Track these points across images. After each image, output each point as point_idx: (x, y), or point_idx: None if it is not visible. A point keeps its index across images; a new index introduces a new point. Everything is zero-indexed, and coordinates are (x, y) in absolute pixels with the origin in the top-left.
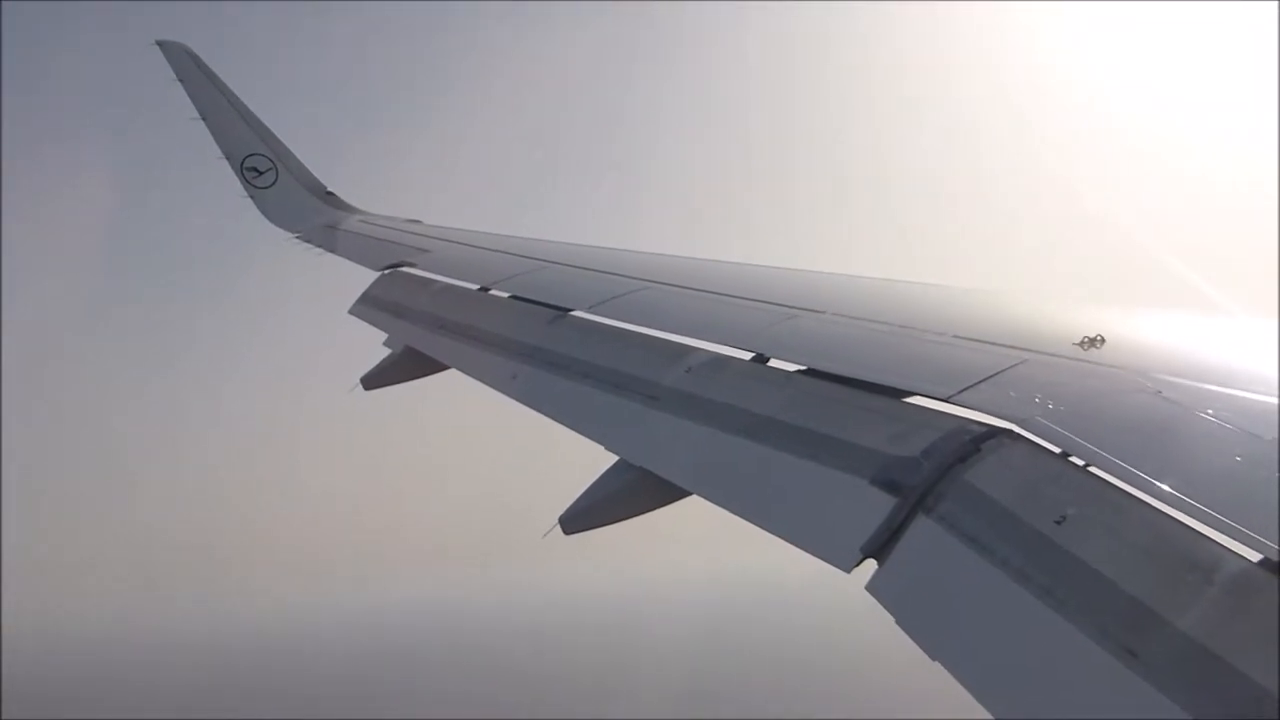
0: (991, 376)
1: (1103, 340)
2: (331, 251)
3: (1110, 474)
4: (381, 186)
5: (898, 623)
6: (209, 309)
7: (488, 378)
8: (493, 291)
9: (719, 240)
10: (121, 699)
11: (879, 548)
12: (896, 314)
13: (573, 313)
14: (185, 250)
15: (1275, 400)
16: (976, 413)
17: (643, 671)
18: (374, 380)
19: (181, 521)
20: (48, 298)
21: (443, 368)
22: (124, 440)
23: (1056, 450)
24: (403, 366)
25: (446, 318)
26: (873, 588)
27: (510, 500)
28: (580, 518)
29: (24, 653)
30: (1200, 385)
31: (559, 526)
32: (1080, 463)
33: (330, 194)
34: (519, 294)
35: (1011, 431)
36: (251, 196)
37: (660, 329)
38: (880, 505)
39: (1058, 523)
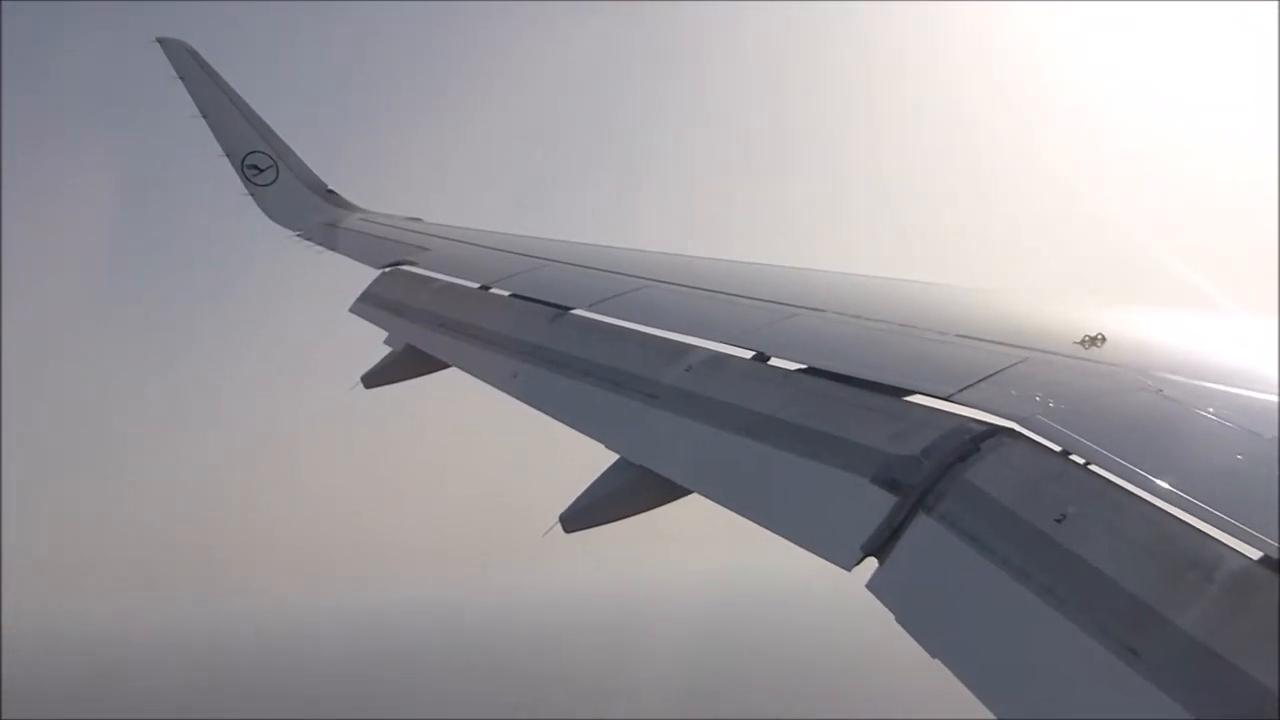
0: (992, 375)
1: (1103, 339)
2: (332, 250)
3: (1111, 472)
4: (382, 184)
5: (898, 621)
6: (209, 307)
7: (488, 376)
8: (493, 290)
9: (719, 239)
10: (121, 699)
11: (879, 546)
12: (897, 312)
13: (573, 311)
14: (185, 248)
15: (1276, 398)
16: (977, 411)
17: (643, 672)
18: (375, 379)
19: (181, 521)
20: (47, 295)
21: (443, 366)
22: (124, 440)
23: (1057, 449)
24: (403, 365)
25: (447, 316)
26: (873, 586)
27: (511, 498)
28: (581, 516)
29: (24, 653)
30: (1201, 383)
31: (560, 525)
32: (1081, 461)
33: (331, 192)
34: (519, 292)
35: (1012, 430)
36: (252, 194)
37: (660, 327)
38: (881, 504)
39: (1058, 521)
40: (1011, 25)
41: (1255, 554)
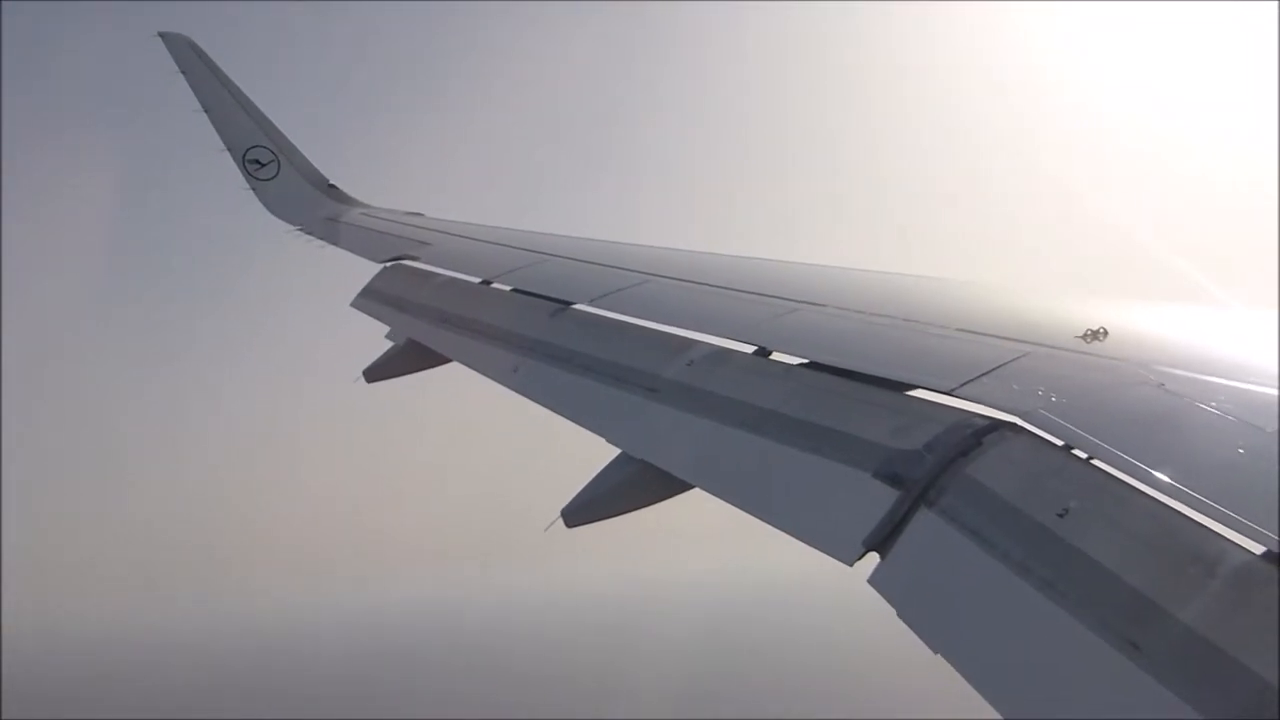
0: (994, 370)
1: (1105, 333)
2: (333, 244)
3: (1113, 467)
4: (384, 179)
5: (900, 616)
6: (210, 302)
7: (490, 371)
8: (495, 285)
9: (721, 234)
10: (121, 699)
11: (881, 541)
12: (899, 307)
13: (574, 306)
14: (186, 242)
15: (1277, 392)
16: (979, 406)
17: (643, 672)
18: (376, 373)
19: (181, 521)
20: (48, 291)
21: (445, 360)
22: (124, 439)
23: (1059, 443)
24: (405, 359)
25: (448, 311)
26: (875, 581)
27: (512, 493)
28: (582, 511)
29: (24, 653)
30: (1203, 378)
31: (561, 519)
32: (1083, 455)
33: (332, 186)
34: (521, 287)
35: (1014, 425)
36: (253, 189)
37: (662, 322)
38: (882, 498)
39: (1060, 516)
40: (1012, 25)
41: (1257, 548)
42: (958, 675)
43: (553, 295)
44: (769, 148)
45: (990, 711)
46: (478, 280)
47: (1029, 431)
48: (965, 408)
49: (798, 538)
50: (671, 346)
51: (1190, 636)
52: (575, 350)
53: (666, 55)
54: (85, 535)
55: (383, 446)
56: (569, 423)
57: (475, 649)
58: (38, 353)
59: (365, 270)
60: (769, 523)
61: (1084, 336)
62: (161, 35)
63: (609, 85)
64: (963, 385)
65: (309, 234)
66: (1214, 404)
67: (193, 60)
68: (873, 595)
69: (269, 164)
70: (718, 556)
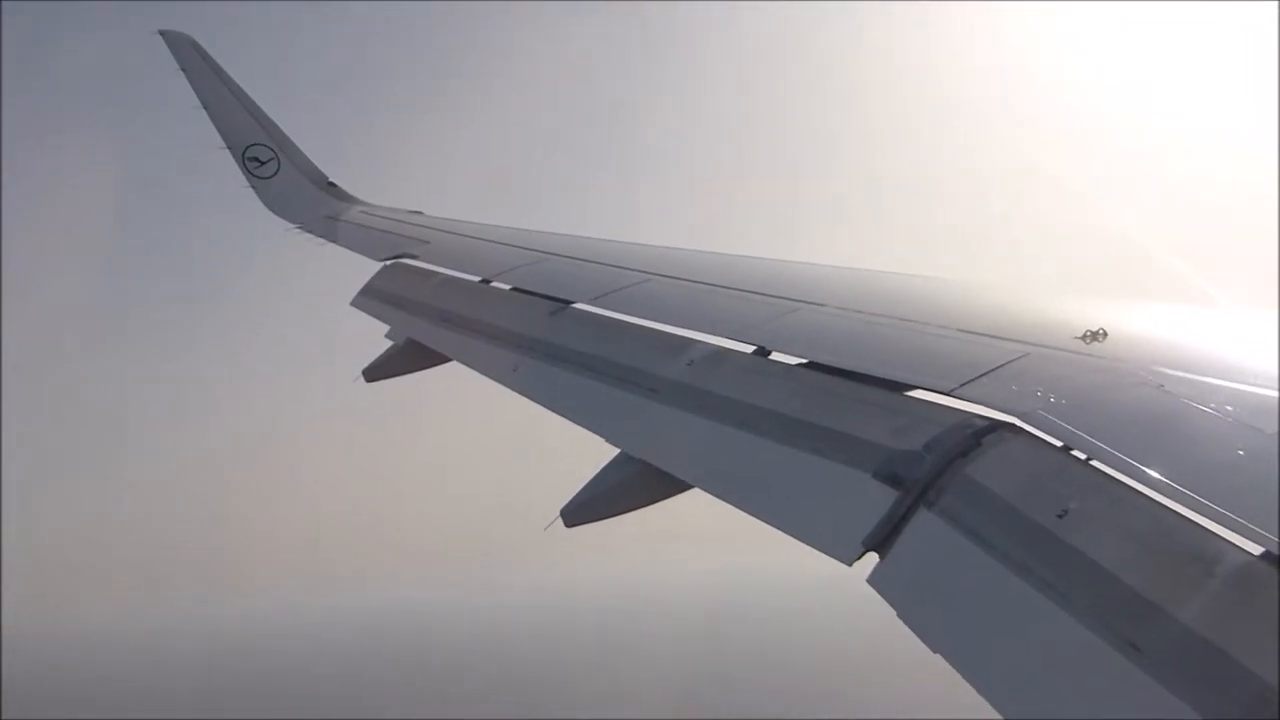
0: (993, 370)
1: (1105, 334)
2: (333, 242)
3: (1112, 468)
4: (384, 178)
5: (899, 616)
6: (209, 300)
7: (489, 370)
8: (494, 284)
9: (720, 233)
10: (121, 699)
11: (880, 541)
12: (898, 307)
13: (574, 305)
14: (186, 240)
15: (1277, 394)
16: (978, 406)
17: (643, 672)
18: (376, 372)
19: (181, 521)
20: (48, 291)
21: (444, 360)
22: (123, 438)
23: (1058, 444)
24: (404, 358)
25: (448, 310)
26: (874, 581)
27: (511, 492)
28: (582, 510)
29: (24, 653)
30: (1202, 379)
31: (560, 519)
32: (1082, 456)
33: (332, 185)
34: (521, 286)
35: (1013, 425)
36: (253, 187)
37: (661, 322)
38: (882, 499)
39: (1060, 516)
40: (1012, 25)
41: (1256, 549)
42: (957, 675)
43: (552, 294)
44: (769, 147)
45: (990, 712)
46: (477, 279)
47: (1028, 432)
48: (965, 408)
49: (797, 538)
50: (671, 346)
51: (1190, 637)
52: (575, 349)
53: (665, 55)
54: (85, 535)
55: (382, 446)
56: (568, 422)
57: (475, 649)
58: (38, 352)
59: (365, 269)
60: (768, 523)
61: (1083, 337)
62: (162, 33)
63: (608, 85)
64: (962, 386)
65: (309, 232)
66: (1213, 405)
67: (193, 58)
68: (872, 595)
69: (269, 162)
70: (717, 556)
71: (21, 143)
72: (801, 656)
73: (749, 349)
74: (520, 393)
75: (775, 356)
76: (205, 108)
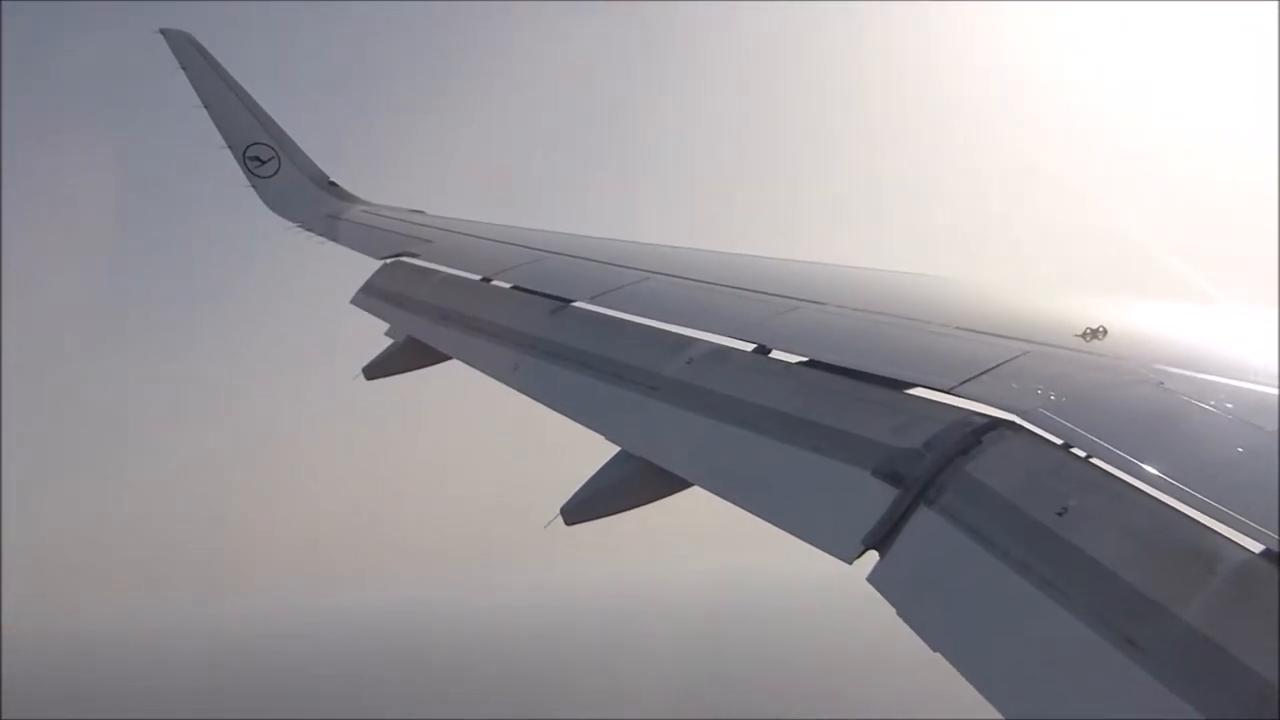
0: (993, 368)
1: (1105, 332)
2: (333, 241)
3: (1112, 465)
4: (384, 177)
5: (899, 614)
6: (210, 299)
7: (489, 368)
8: (495, 282)
9: (721, 232)
10: (121, 699)
11: (880, 539)
12: (898, 305)
13: (574, 303)
14: (187, 239)
15: (1277, 391)
16: (978, 404)
17: (643, 672)
18: (376, 370)
19: (181, 521)
20: (48, 291)
21: (445, 358)
22: (123, 438)
23: (1058, 442)
24: (405, 356)
25: (448, 308)
26: (874, 579)
27: (512, 490)
28: (582, 508)
29: (24, 653)
30: (1202, 377)
31: (561, 517)
32: (1082, 454)
33: (333, 184)
34: (521, 285)
35: (1013, 423)
36: (254, 186)
37: (661, 320)
38: (882, 497)
39: (1059, 514)
40: (1011, 25)
41: (1256, 547)
42: (956, 675)
43: (553, 293)
44: (769, 146)
45: (990, 710)
46: (478, 277)
47: (1028, 430)
48: (965, 406)
49: (797, 536)
50: (671, 344)
51: (1190, 635)
52: (575, 348)
53: (665, 55)
54: (85, 535)
55: (382, 444)
56: (569, 420)
57: (475, 649)
58: (38, 352)
59: (365, 267)
60: (768, 521)
61: (1083, 335)
62: (163, 32)
63: (609, 85)
64: (962, 384)
65: (309, 231)
66: (1213, 403)
67: (194, 57)
68: (872, 594)
69: (269, 161)
70: (717, 556)
71: (21, 143)
72: (801, 656)
73: (749, 347)
74: (520, 391)
75: (775, 355)
76: (206, 107)
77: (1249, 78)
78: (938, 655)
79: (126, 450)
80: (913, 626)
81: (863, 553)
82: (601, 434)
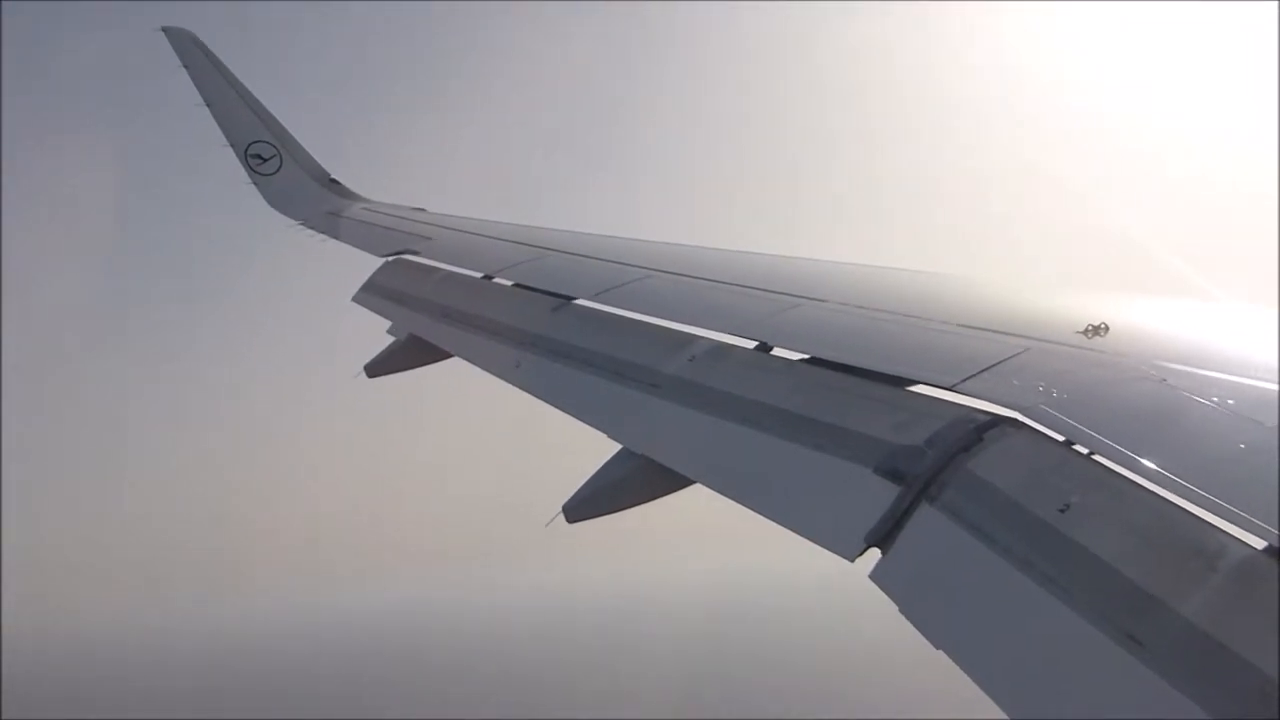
0: (995, 365)
1: (1106, 328)
2: (335, 239)
3: (1114, 462)
4: (386, 175)
5: (901, 611)
6: (211, 297)
7: (491, 366)
8: (496, 279)
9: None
10: (121, 699)
11: (883, 536)
12: (900, 303)
13: (576, 301)
14: (188, 237)
15: (1278, 388)
16: (980, 401)
17: (643, 672)
18: (377, 368)
19: (181, 521)
20: (48, 291)
21: (446, 355)
22: (123, 437)
23: (1060, 438)
24: (406, 354)
25: (450, 305)
26: (876, 577)
27: (513, 488)
28: (584, 506)
29: (24, 653)
30: (1204, 373)
31: (562, 515)
32: (1084, 451)
33: (334, 181)
34: (522, 282)
35: (1015, 420)
36: (255, 183)
37: (663, 317)
38: (884, 494)
39: (1061, 511)
40: (1011, 25)
41: (1259, 543)
42: (958, 674)
43: (554, 290)
44: (770, 144)
45: (992, 708)
46: (479, 275)
47: (1030, 427)
48: (966, 403)
49: (799, 533)
50: (673, 342)
51: (1192, 632)
52: (577, 345)
53: (665, 55)
54: (85, 535)
55: (383, 442)
56: (570, 418)
57: (475, 649)
58: (38, 352)
59: (367, 265)
60: (770, 518)
61: (1085, 332)
62: (165, 30)
63: (609, 84)
64: (964, 380)
65: (311, 229)
66: (1215, 399)
67: (195, 55)
68: (873, 593)
69: (271, 159)
70: (718, 552)
71: (21, 143)
72: (801, 656)
73: (751, 345)
74: (522, 388)
75: (777, 352)
76: (208, 105)
77: (1249, 78)
78: (940, 653)
79: (126, 450)
80: (915, 624)
81: (865, 550)
82: (603, 432)
